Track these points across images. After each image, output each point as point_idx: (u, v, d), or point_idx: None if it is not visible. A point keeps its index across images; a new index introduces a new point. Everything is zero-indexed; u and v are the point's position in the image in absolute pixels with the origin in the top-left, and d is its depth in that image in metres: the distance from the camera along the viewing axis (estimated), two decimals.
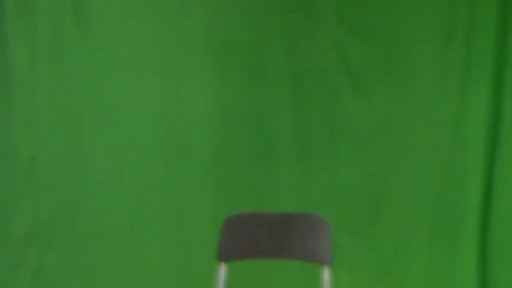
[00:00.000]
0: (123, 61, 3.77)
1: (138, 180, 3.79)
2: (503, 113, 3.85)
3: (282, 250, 2.90)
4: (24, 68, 3.73)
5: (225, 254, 2.91)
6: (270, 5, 3.84)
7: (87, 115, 3.77)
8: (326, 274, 2.83)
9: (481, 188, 3.87)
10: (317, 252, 2.86)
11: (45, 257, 3.76)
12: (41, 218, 3.76)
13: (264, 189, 3.86)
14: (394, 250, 3.90)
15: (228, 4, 3.82)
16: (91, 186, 3.78)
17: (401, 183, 3.89)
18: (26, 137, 3.75)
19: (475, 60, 3.84)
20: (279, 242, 2.90)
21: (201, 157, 3.82)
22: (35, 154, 3.75)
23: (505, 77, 3.84)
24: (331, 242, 2.87)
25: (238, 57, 3.84)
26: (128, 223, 3.79)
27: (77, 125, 3.77)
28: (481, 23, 3.83)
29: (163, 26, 3.80)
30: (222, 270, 2.89)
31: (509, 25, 3.83)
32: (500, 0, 3.84)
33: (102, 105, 3.77)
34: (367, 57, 3.87)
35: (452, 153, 3.87)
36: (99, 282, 3.78)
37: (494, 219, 3.87)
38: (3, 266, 3.75)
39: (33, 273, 3.76)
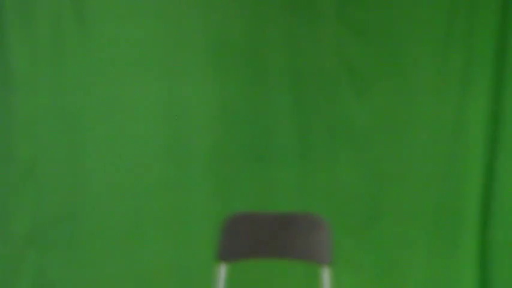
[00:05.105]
0: (123, 61, 3.77)
1: (138, 180, 3.79)
2: (503, 113, 3.85)
3: (282, 250, 2.90)
4: (24, 68, 3.73)
5: (225, 254, 2.91)
6: (270, 5, 3.84)
7: (87, 115, 3.77)
8: (326, 274, 2.83)
9: (481, 188, 3.87)
10: (317, 252, 2.86)
11: (45, 257, 3.76)
12: (41, 218, 3.76)
13: (264, 189, 3.86)
14: (394, 250, 3.90)
15: (228, 4, 3.82)
16: (91, 186, 3.78)
17: (401, 183, 3.89)
18: (26, 137, 3.75)
19: (475, 60, 3.84)
20: (279, 242, 2.90)
21: (201, 157, 3.83)
22: (35, 154, 3.75)
23: (505, 77, 3.85)
24: (331, 242, 2.87)
25: (238, 57, 3.84)
26: (128, 223, 3.79)
27: (77, 125, 3.77)
28: (481, 23, 3.83)
29: (163, 25, 3.80)
30: (222, 270, 2.89)
31: (509, 25, 3.83)
32: (500, 0, 3.84)
33: (102, 105, 3.77)
34: (367, 57, 3.88)
35: (452, 153, 3.87)
36: (99, 282, 3.78)
37: (494, 219, 3.88)
38: (3, 266, 3.75)
39: (33, 274, 3.76)
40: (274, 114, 3.86)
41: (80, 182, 3.77)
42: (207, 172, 3.83)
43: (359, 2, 3.86)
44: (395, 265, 3.90)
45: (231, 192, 3.83)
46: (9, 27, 3.72)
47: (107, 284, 3.78)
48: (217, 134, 3.84)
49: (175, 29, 3.81)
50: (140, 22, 3.79)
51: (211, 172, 3.83)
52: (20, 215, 3.76)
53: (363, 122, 3.89)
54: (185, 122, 3.82)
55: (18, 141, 3.75)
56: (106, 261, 3.78)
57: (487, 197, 3.88)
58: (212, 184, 3.83)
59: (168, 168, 3.81)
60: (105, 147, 3.77)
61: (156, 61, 3.80)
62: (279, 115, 3.86)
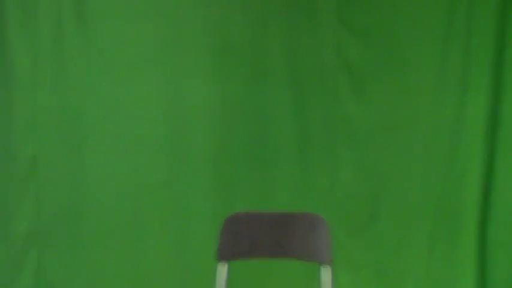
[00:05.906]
0: (123, 60, 3.78)
1: (138, 179, 3.80)
2: (502, 113, 3.86)
3: (282, 250, 2.90)
4: (25, 68, 3.74)
5: (225, 253, 2.91)
6: (270, 5, 3.85)
7: (87, 115, 3.78)
8: (326, 274, 2.83)
9: (480, 188, 3.87)
10: (317, 252, 2.86)
11: (46, 257, 3.77)
12: (41, 217, 3.76)
13: (264, 189, 3.86)
14: (394, 250, 3.90)
15: (228, 3, 3.83)
16: (91, 186, 3.78)
17: (401, 183, 3.89)
18: (26, 137, 3.75)
19: (475, 60, 3.85)
20: (279, 241, 2.90)
21: (202, 157, 3.83)
22: (35, 154, 3.76)
23: (504, 77, 3.85)
24: (331, 242, 2.87)
25: (239, 57, 3.84)
26: (129, 222, 3.80)
27: (78, 124, 3.78)
28: (480, 23, 3.84)
29: (164, 25, 3.81)
30: (222, 270, 2.89)
31: (508, 25, 3.84)
32: (499, 1, 3.84)
33: (103, 105, 3.78)
34: (367, 57, 3.88)
35: (451, 153, 3.88)
36: (99, 282, 3.78)
37: (494, 219, 3.88)
38: (4, 265, 3.75)
39: (33, 273, 3.76)
40: (274, 114, 3.86)
41: (80, 181, 3.78)
42: (208, 171, 3.83)
43: (359, 2, 3.86)
44: (395, 265, 3.90)
45: (231, 191, 3.84)
46: (10, 27, 3.73)
47: (107, 283, 3.78)
48: (217, 133, 3.84)
49: (175, 28, 3.81)
50: (140, 22, 3.79)
51: (211, 171, 3.83)
52: (21, 214, 3.76)
53: (362, 121, 3.89)
54: (185, 121, 3.82)
55: (19, 140, 3.75)
56: (106, 260, 3.78)
57: (487, 196, 3.88)
58: (212, 183, 3.83)
59: (168, 167, 3.81)
60: (105, 147, 3.78)
61: (157, 61, 3.80)
62: (279, 115, 3.86)
